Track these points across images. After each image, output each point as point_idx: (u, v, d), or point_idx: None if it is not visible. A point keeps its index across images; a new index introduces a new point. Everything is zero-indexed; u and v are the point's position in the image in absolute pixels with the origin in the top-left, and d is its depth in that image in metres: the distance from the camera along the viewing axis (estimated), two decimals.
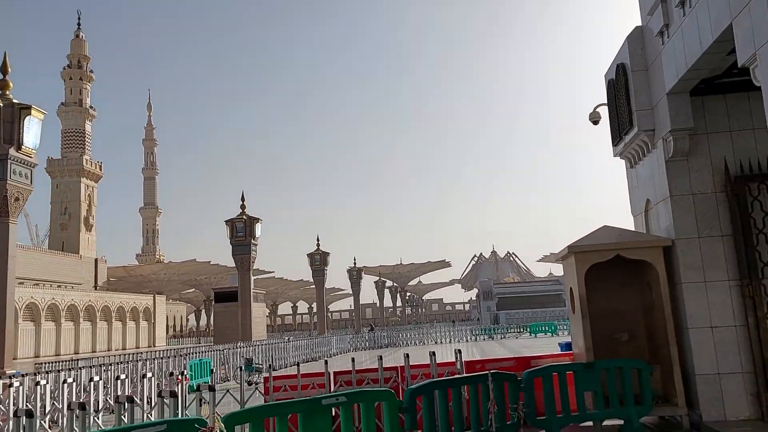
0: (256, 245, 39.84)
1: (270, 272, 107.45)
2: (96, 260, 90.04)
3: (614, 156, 10.17)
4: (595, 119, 10.77)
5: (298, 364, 9.42)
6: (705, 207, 8.23)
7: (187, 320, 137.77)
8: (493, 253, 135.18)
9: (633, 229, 9.97)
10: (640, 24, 8.98)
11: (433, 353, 9.02)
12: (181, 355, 19.77)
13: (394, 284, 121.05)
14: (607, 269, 9.06)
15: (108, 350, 69.49)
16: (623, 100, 9.19)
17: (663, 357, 8.52)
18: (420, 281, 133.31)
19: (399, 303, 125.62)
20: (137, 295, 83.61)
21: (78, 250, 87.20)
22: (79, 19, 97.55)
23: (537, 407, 7.51)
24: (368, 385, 8.65)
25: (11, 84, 18.69)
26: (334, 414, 5.84)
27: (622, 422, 7.89)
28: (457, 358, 8.87)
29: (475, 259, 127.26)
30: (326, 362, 8.91)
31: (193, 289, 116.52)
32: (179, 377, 8.61)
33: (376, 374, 8.84)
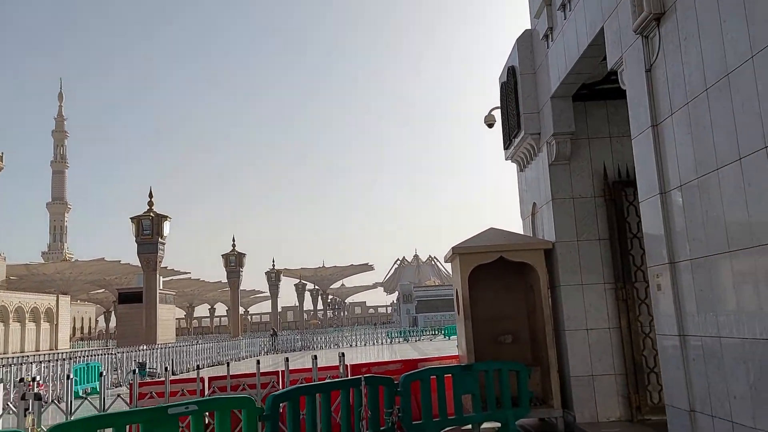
0: (164, 244, 38.17)
1: (186, 273, 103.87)
2: None
3: (506, 159, 10.21)
4: (489, 122, 10.79)
5: (166, 368, 8.80)
6: (584, 211, 8.33)
7: (97, 322, 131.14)
8: (416, 257, 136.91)
9: (522, 232, 10.04)
10: (530, 27, 9.03)
11: (315, 357, 8.67)
12: (70, 359, 18.48)
13: (316, 287, 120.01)
14: (494, 272, 9.04)
15: (4, 353, 64.88)
16: (513, 103, 9.21)
17: (543, 359, 8.56)
18: (343, 284, 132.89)
19: (321, 306, 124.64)
20: (39, 294, 78.62)
21: None
22: None
23: (414, 411, 7.32)
24: (243, 391, 8.19)
25: None
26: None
27: (499, 425, 7.84)
28: (340, 361, 8.55)
29: (398, 262, 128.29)
30: (198, 367, 8.36)
31: (103, 290, 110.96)
32: (31, 383, 7.82)
33: (254, 379, 8.40)
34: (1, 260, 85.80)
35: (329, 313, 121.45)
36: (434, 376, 7.62)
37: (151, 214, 37.54)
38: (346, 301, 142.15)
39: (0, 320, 69.46)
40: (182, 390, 8.01)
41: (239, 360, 31.44)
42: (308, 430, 6.27)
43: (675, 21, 4.90)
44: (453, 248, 8.48)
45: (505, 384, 7.86)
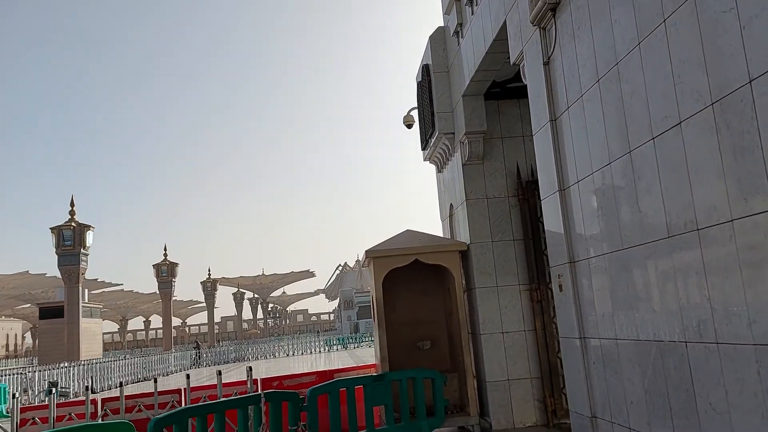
0: (86, 255, 36.32)
1: (118, 285, 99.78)
2: None
3: (424, 160, 9.97)
4: (408, 123, 10.54)
5: (87, 388, 8.04)
6: (498, 211, 8.15)
7: (24, 338, 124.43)
8: (357, 262, 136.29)
9: (441, 234, 9.81)
10: (443, 24, 8.82)
11: (219, 372, 8.13)
12: None
13: (255, 295, 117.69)
14: (411, 275, 8.75)
15: None
16: (427, 102, 8.97)
17: (461, 364, 8.31)
18: (284, 292, 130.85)
19: (261, 315, 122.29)
20: None
21: None
22: None
23: (322, 428, 6.90)
24: (139, 413, 7.56)
25: None
26: None
27: None
28: (247, 376, 8.04)
29: (340, 268, 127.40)
30: (87, 388, 7.68)
31: (29, 305, 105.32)
32: None
33: (152, 399, 7.79)
34: None
35: (270, 322, 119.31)
36: (344, 389, 7.23)
37: (73, 223, 35.60)
38: (287, 309, 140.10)
39: None
40: (69, 414, 7.32)
41: (167, 375, 30.18)
42: None
43: (569, 11, 4.72)
44: (366, 251, 8.13)
45: (420, 393, 7.55)
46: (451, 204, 9.16)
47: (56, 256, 35.00)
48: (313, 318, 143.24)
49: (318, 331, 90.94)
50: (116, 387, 24.47)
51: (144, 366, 28.28)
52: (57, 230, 35.63)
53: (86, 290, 66.28)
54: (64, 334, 35.52)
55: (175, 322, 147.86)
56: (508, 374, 7.81)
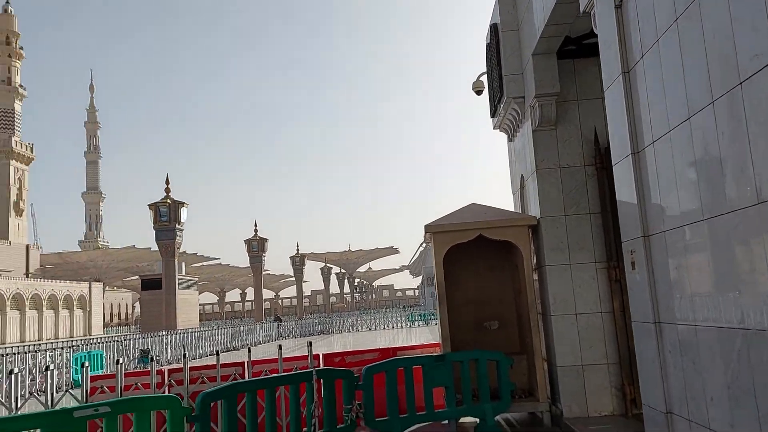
0: (181, 230, 38.10)
1: (216, 259, 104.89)
2: (27, 246, 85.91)
3: (494, 129, 9.34)
4: (478, 89, 9.91)
5: (185, 356, 8.24)
6: (573, 182, 7.45)
7: (133, 308, 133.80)
8: None
9: (512, 209, 9.20)
10: None
11: (280, 347, 8.02)
12: (71, 347, 18.29)
13: (342, 270, 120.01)
14: (477, 252, 8.25)
15: (38, 340, 66.36)
16: (496, 65, 8.33)
17: (530, 347, 7.76)
18: (370, 267, 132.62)
19: (348, 289, 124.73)
20: (71, 282, 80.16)
21: (7, 236, 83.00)
22: None
23: (379, 407, 6.62)
24: (202, 384, 7.60)
25: None
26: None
27: (478, 420, 7.10)
28: (308, 351, 7.88)
29: (423, 245, 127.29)
30: (152, 359, 7.78)
31: (136, 276, 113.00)
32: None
33: (230, 370, 7.81)
34: (36, 249, 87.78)
35: (356, 297, 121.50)
36: (401, 368, 6.90)
37: (168, 200, 37.45)
38: (373, 284, 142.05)
39: (34, 308, 70.99)
40: (136, 383, 7.45)
41: (256, 345, 31.23)
42: (248, 431, 5.64)
43: None
44: (426, 226, 7.70)
45: (483, 375, 7.10)
46: (521, 175, 8.52)
47: (154, 232, 37.17)
48: (398, 293, 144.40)
49: (403, 307, 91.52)
50: (207, 356, 25.61)
51: (233, 336, 29.38)
52: (154, 207, 37.64)
53: (183, 263, 70.01)
54: (163, 304, 37.67)
55: (269, 294, 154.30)
56: (582, 359, 7.18)
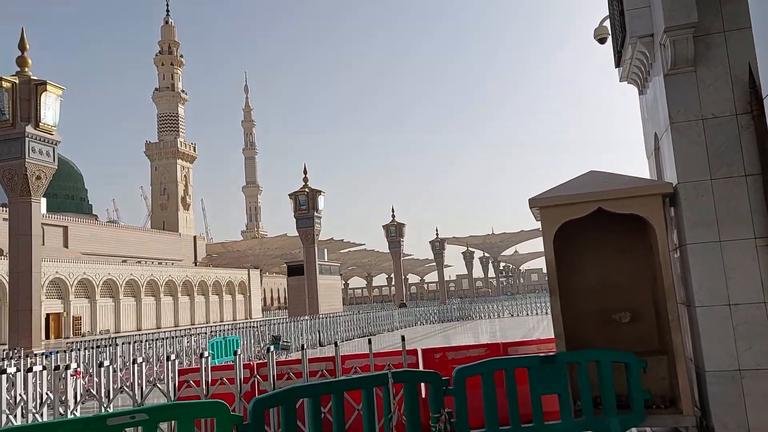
0: (320, 218, 39.09)
1: (361, 245, 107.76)
2: (195, 237, 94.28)
3: (620, 81, 7.77)
4: (601, 36, 8.35)
5: (303, 347, 7.87)
6: (721, 136, 5.81)
7: (286, 293, 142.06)
8: None
9: (647, 176, 7.61)
10: None
11: (370, 341, 7.25)
12: (206, 333, 19.10)
13: (485, 254, 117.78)
14: (600, 229, 6.87)
15: (207, 322, 72.63)
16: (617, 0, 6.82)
17: (670, 345, 6.26)
18: (516, 251, 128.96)
19: (493, 273, 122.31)
20: (232, 270, 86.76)
21: (177, 229, 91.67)
22: (167, 5, 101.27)
23: (474, 416, 5.61)
24: (288, 380, 7.06)
25: (30, 61, 18.52)
26: None
27: None
28: (402, 346, 7.05)
29: None
30: (269, 350, 7.35)
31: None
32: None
33: (318, 365, 7.24)
34: (202, 240, 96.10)
35: (503, 281, 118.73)
36: (502, 370, 5.81)
37: (306, 189, 38.60)
38: (520, 268, 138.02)
39: (201, 293, 77.78)
40: (221, 378, 7.10)
41: (392, 330, 31.12)
42: None
43: None
44: (531, 201, 6.46)
45: (607, 380, 5.80)
46: (655, 134, 6.94)
47: (294, 220, 38.63)
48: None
49: None
50: (343, 341, 25.84)
51: (368, 321, 29.46)
52: (294, 196, 39.02)
53: (325, 250, 72.52)
54: (305, 289, 39.05)
55: (414, 279, 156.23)
56: (740, 362, 5.59)
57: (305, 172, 39.25)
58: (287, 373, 7.14)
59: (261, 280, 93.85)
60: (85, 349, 17.35)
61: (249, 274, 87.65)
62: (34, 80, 17.77)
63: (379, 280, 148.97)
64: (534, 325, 28.26)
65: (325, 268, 42.78)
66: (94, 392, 7.49)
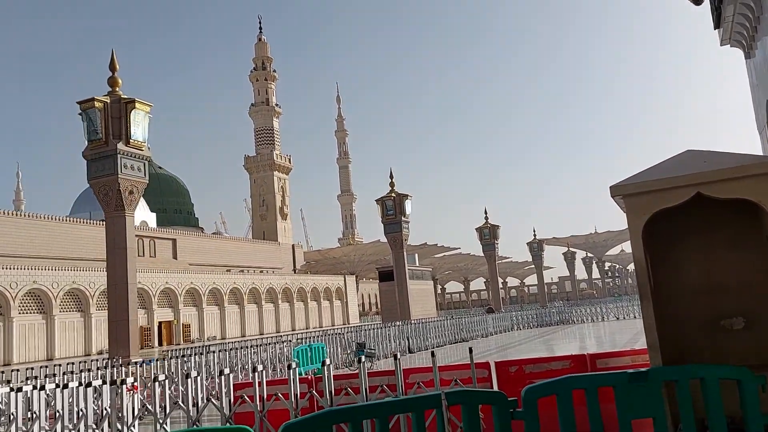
0: (407, 222, 38.57)
1: (456, 248, 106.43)
2: (293, 246, 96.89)
3: (721, 45, 6.59)
4: None
5: (395, 356, 7.41)
6: None
7: None
8: None
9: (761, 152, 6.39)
10: None
11: (433, 353, 6.52)
12: (290, 341, 19.01)
13: (588, 254, 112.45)
14: (703, 219, 5.78)
15: (306, 328, 74.21)
16: None
17: None
18: (623, 250, 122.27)
19: (597, 274, 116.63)
20: (328, 276, 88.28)
21: (276, 238, 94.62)
22: (260, 23, 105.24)
23: None
24: (346, 397, 6.49)
25: (120, 81, 19.35)
26: None
27: None
28: (470, 359, 6.27)
29: None
30: (358, 359, 6.87)
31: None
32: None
33: (378, 380, 6.64)
34: (299, 248, 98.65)
35: (609, 282, 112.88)
36: (582, 389, 4.90)
37: (392, 194, 38.21)
38: (627, 268, 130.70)
39: (300, 300, 79.67)
40: (276, 393, 6.64)
41: (487, 336, 29.99)
42: None
43: None
44: (612, 188, 5.51)
45: (715, 401, 4.75)
46: (767, 101, 5.75)
47: (382, 225, 38.37)
48: None
49: None
50: (433, 347, 25.12)
51: (459, 327, 28.53)
52: (381, 202, 38.77)
53: (416, 255, 71.93)
54: (395, 294, 38.65)
55: (514, 282, 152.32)
56: None
57: (391, 176, 38.93)
58: (345, 389, 6.56)
59: (357, 286, 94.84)
60: (178, 357, 17.77)
61: (345, 280, 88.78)
62: (123, 98, 18.59)
63: (477, 284, 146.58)
64: (642, 329, 26.19)
65: (417, 273, 42.20)
66: (181, 403, 7.27)
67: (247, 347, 17.74)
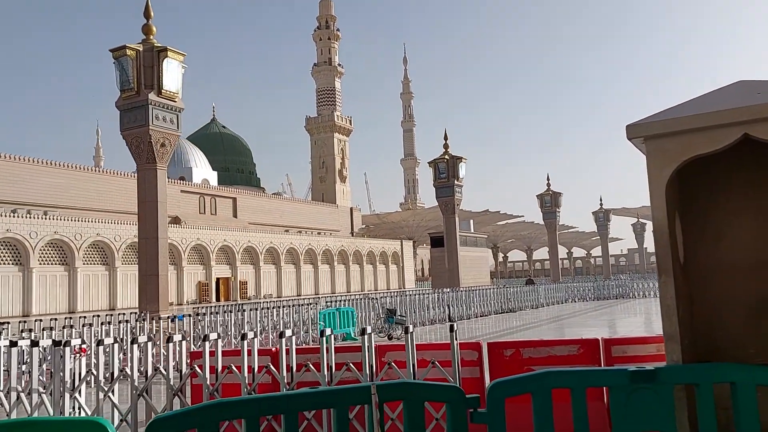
0: (461, 186, 37.03)
1: (519, 216, 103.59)
2: (351, 209, 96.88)
3: None
4: None
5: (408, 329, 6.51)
6: None
7: None
8: None
9: None
10: None
11: (452, 326, 5.43)
12: (316, 303, 18.33)
13: None
14: (750, 172, 4.41)
15: (361, 290, 74.40)
16: None
17: None
18: None
19: None
20: (385, 240, 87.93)
21: (335, 200, 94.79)
22: None
23: None
24: (307, 373, 5.53)
25: (154, 28, 18.76)
26: None
27: None
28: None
29: None
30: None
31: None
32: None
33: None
34: (358, 211, 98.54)
35: None
36: (565, 389, 3.74)
37: (446, 157, 36.68)
38: None
39: (356, 263, 79.77)
40: (307, 364, 5.74)
41: (537, 307, 28.55)
42: None
43: None
44: (629, 127, 4.19)
45: (748, 410, 3.52)
46: None
47: (434, 189, 36.99)
48: None
49: None
50: (477, 317, 24.01)
51: (507, 297, 27.21)
52: (434, 164, 37.37)
53: (471, 221, 70.13)
54: (445, 261, 37.53)
55: (580, 252, 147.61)
56: None
57: (446, 138, 37.33)
58: (306, 365, 5.62)
59: (414, 251, 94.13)
60: (213, 314, 17.47)
61: (402, 245, 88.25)
62: (156, 46, 18.06)
63: (542, 253, 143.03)
64: None
65: (471, 239, 40.87)
66: (128, 370, 6.58)
67: (279, 307, 17.17)
